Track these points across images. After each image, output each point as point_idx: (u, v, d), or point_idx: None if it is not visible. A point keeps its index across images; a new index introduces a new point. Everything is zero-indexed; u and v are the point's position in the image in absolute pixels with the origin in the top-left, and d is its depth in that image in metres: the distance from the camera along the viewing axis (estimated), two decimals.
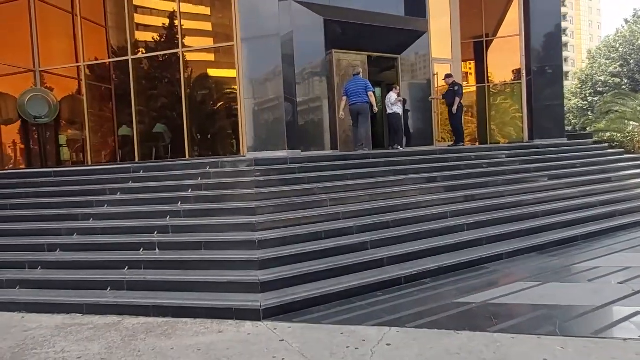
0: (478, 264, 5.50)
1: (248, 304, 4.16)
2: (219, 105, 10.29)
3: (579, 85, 33.00)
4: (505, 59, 13.82)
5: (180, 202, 6.19)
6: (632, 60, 29.35)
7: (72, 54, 10.96)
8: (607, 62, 30.65)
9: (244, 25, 7.69)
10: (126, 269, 5.06)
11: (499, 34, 14.33)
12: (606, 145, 11.54)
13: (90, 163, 10.83)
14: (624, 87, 23.03)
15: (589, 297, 4.23)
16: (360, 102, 8.61)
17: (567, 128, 29.58)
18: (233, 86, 9.29)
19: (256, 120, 7.72)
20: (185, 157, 10.08)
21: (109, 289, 4.79)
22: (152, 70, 10.73)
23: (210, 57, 10.25)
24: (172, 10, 10.19)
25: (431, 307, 4.22)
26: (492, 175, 8.13)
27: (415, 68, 12.65)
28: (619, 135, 17.83)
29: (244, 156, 7.50)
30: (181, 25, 10.06)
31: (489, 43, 14.42)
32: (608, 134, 18.31)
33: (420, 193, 7.06)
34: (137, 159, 10.50)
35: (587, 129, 22.04)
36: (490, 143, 13.92)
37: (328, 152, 10.24)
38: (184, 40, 10.03)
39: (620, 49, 30.44)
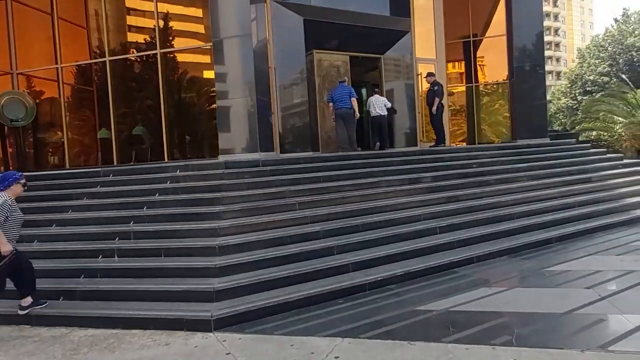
0: (447, 268, 5.38)
1: (199, 314, 4.01)
2: (196, 107, 10.11)
3: (569, 85, 33.03)
4: (495, 59, 13.69)
5: (145, 207, 6.04)
6: (621, 60, 29.39)
7: (51, 55, 10.74)
8: (597, 61, 30.69)
9: (216, 26, 7.53)
10: (82, 277, 4.90)
11: (487, 34, 14.23)
12: (589, 145, 11.48)
13: (68, 166, 10.63)
14: (612, 86, 23.03)
15: (554, 304, 4.11)
16: (345, 107, 8.97)
17: (557, 127, 29.74)
18: (209, 87, 9.13)
19: (229, 122, 7.56)
20: (164, 159, 9.91)
21: (61, 298, 4.63)
22: (130, 71, 10.53)
23: (189, 58, 10.07)
24: (150, 10, 10.00)
25: (391, 315, 4.09)
26: (470, 177, 8.01)
27: (399, 68, 12.52)
28: (606, 134, 17.83)
29: (217, 159, 7.33)
30: (159, 26, 9.87)
31: (478, 43, 14.30)
32: (595, 133, 18.33)
33: (395, 195, 6.93)
34: (115, 162, 10.31)
35: (576, 128, 22.05)
36: (479, 143, 13.83)
37: (307, 153, 10.07)
38: (162, 41, 9.85)
39: (609, 49, 30.49)
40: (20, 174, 4.44)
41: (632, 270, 4.97)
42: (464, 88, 14.52)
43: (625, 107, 16.59)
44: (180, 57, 10.17)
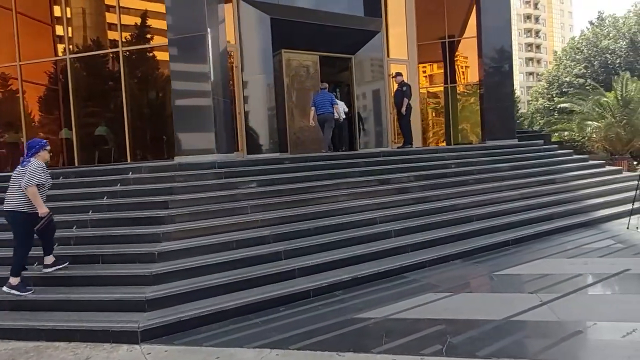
0: (397, 273, 5.29)
1: (126, 326, 3.84)
2: (160, 106, 9.86)
3: (546, 86, 33.45)
4: (472, 60, 13.72)
5: (91, 211, 5.84)
6: (596, 62, 29.86)
7: (12, 52, 10.35)
8: (572, 63, 31.13)
9: (171, 24, 7.34)
10: None
11: (464, 35, 14.23)
12: (556, 146, 11.56)
13: None
14: (587, 87, 23.38)
15: (494, 310, 4.04)
16: (327, 112, 9.51)
17: (535, 128, 30.05)
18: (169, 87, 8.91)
19: (185, 122, 7.36)
20: (127, 160, 9.66)
21: None
22: (92, 70, 10.24)
23: (152, 56, 9.81)
24: (112, 5, 9.72)
25: (328, 324, 3.97)
26: (431, 178, 7.97)
27: (370, 68, 12.44)
28: (578, 135, 18.05)
29: (172, 160, 7.14)
30: (121, 23, 9.63)
31: (455, 44, 14.30)
32: (567, 134, 18.55)
33: (352, 198, 6.83)
34: (77, 164, 10.02)
35: (549, 129, 22.31)
36: (456, 144, 13.84)
37: (274, 154, 9.95)
38: (124, 39, 9.60)
39: (584, 51, 30.95)
40: (44, 140, 4.83)
41: (579, 274, 4.95)
42: (441, 89, 14.52)
43: (597, 109, 16.81)
44: (144, 55, 9.92)
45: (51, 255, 4.76)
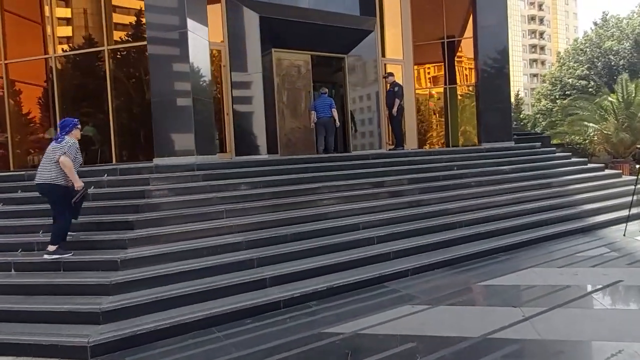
0: (377, 282, 5.02)
1: (75, 340, 3.59)
2: (143, 106, 9.61)
3: (549, 88, 33.05)
4: (471, 61, 13.40)
5: None
6: (599, 63, 29.43)
7: None
8: (575, 65, 30.71)
9: (150, 21, 7.11)
10: None
11: (464, 36, 13.91)
12: (554, 148, 11.25)
13: (13, 168, 10.11)
14: (590, 89, 23.03)
15: (472, 325, 3.77)
16: (327, 117, 9.80)
17: (537, 130, 29.66)
18: None
19: (164, 123, 7.12)
20: (112, 162, 9.44)
21: None
22: (77, 69, 10.03)
23: (136, 55, 9.58)
24: (100, 3, 9.50)
25: (293, 339, 3.71)
26: (419, 182, 7.70)
27: (364, 68, 12.17)
28: (578, 138, 17.72)
29: (151, 162, 6.91)
30: (107, 20, 9.41)
31: (456, 44, 13.99)
32: (568, 137, 18.22)
33: (335, 202, 6.58)
34: None
35: (552, 130, 21.97)
36: (454, 146, 13.54)
37: (262, 156, 9.71)
38: (109, 37, 9.38)
39: (588, 52, 30.53)
40: (77, 120, 5.07)
41: (567, 286, 4.67)
42: (440, 90, 14.20)
43: (598, 111, 16.48)
44: (129, 55, 9.69)
45: (53, 246, 4.74)
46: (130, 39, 9.24)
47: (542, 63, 73.47)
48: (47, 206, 5.76)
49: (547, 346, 3.34)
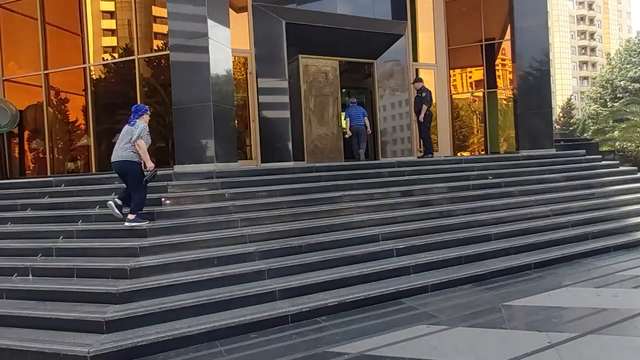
0: (392, 298, 4.75)
1: (77, 350, 3.56)
2: (168, 114, 9.79)
3: (599, 91, 31.20)
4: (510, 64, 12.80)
5: (80, 221, 5.72)
6: None
7: (38, 61, 10.67)
8: (628, 66, 28.83)
9: (172, 29, 7.19)
10: None
11: (505, 37, 13.32)
12: (600, 157, 10.46)
13: (50, 173, 10.55)
14: None
15: (491, 352, 3.45)
16: (360, 124, 10.19)
17: (586, 135, 28.01)
18: None
19: (185, 131, 7.15)
20: None
21: None
22: (110, 77, 10.38)
23: (163, 63, 9.74)
24: (130, 14, 9.80)
25: (296, 357, 3.53)
26: (447, 192, 7.33)
27: (393, 74, 11.87)
28: (630, 144, 16.56)
29: (172, 169, 6.95)
30: (137, 31, 9.69)
31: (497, 46, 13.43)
32: (618, 143, 17.06)
33: (355, 212, 6.34)
34: (94, 170, 10.15)
35: (601, 137, 20.65)
36: (492, 153, 12.97)
37: (287, 163, 9.61)
38: (140, 46, 9.65)
39: None
40: (147, 106, 5.62)
41: (604, 309, 4.21)
42: (479, 94, 13.65)
43: None
44: (158, 63, 9.89)
45: (133, 215, 5.26)
46: (158, 47, 9.46)
47: (593, 65, 69.87)
48: (69, 212, 5.95)
49: None
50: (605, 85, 30.37)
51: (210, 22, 6.93)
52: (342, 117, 10.85)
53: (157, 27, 9.83)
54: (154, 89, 10.03)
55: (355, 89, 12.55)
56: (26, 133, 10.90)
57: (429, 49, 12.77)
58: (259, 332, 4.07)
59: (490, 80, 13.38)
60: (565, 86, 66.51)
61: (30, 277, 4.81)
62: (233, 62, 9.21)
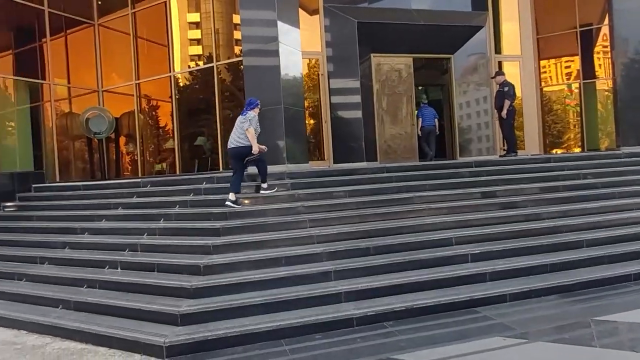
0: (466, 306, 4.46)
1: (153, 339, 3.81)
2: None
3: None
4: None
5: (162, 220, 6.12)
6: None
7: (130, 72, 11.70)
8: None
9: (245, 35, 7.46)
10: (84, 287, 5.07)
11: (604, 22, 12.08)
12: None
13: (141, 174, 11.53)
14: None
15: None
16: (431, 125, 10.13)
17: None
18: None
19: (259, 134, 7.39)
20: (219, 169, 10.20)
21: (60, 307, 4.81)
22: (192, 84, 11.08)
23: (239, 69, 10.17)
24: (211, 24, 10.38)
25: None
26: (532, 193, 6.75)
27: (472, 68, 11.25)
28: None
29: (246, 171, 7.19)
30: (216, 39, 10.24)
31: (595, 32, 12.25)
32: None
33: (426, 214, 6.07)
34: (178, 171, 10.92)
35: None
36: (589, 150, 11.84)
37: (360, 164, 9.53)
38: (217, 54, 10.19)
39: None
40: (258, 100, 6.44)
41: None
42: (576, 86, 12.49)
43: None
44: (234, 69, 10.34)
45: (265, 184, 6.30)
46: (237, 54, 9.89)
47: None
48: (153, 211, 6.42)
49: None
50: None
51: (280, 26, 7.09)
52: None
53: (237, 34, 10.30)
54: (232, 93, 10.53)
55: (431, 86, 12.08)
56: (121, 138, 12.04)
57: (513, 39, 11.90)
58: (323, 333, 4.04)
59: (588, 70, 12.18)
60: None
61: (119, 269, 5.25)
62: (305, 64, 9.36)
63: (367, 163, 9.90)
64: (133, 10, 11.47)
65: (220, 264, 4.77)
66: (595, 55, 12.29)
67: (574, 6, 11.93)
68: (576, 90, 12.41)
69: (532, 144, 12.01)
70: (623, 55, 9.76)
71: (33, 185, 8.52)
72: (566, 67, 12.75)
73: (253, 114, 6.20)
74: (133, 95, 11.48)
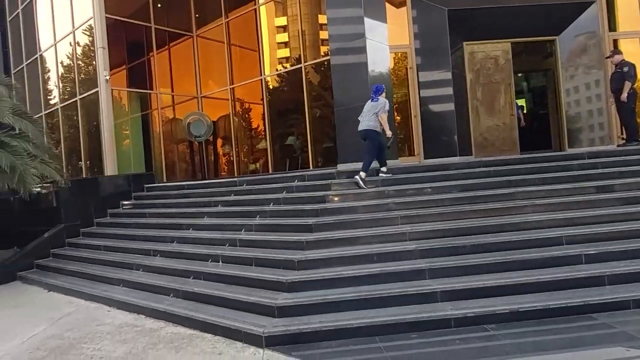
0: (580, 312, 4.02)
1: (253, 329, 4.00)
2: (332, 116, 10.31)
3: None
4: None
5: (258, 216, 6.42)
6: None
7: (225, 78, 12.48)
8: None
9: (332, 34, 7.50)
10: (191, 278, 5.50)
11: None
12: None
13: (237, 174, 12.23)
14: None
15: None
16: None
17: None
18: None
19: (345, 131, 7.40)
20: (309, 168, 10.45)
21: (171, 295, 5.28)
22: (282, 86, 11.47)
23: (326, 69, 10.27)
24: (298, 27, 10.66)
25: None
26: None
27: (582, 50, 10.13)
28: None
29: (335, 168, 7.28)
30: (303, 40, 10.49)
31: None
32: None
33: (531, 210, 5.61)
34: (270, 170, 11.38)
35: None
36: None
37: (453, 159, 9.10)
38: (305, 55, 10.43)
39: None
40: (383, 85, 6.69)
41: None
42: None
43: None
44: (321, 68, 10.48)
45: (384, 167, 6.70)
46: (324, 54, 10.02)
47: None
48: (249, 208, 6.76)
49: None
50: None
51: (367, 22, 7.03)
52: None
53: (323, 34, 10.44)
54: (319, 93, 10.70)
55: (533, 72, 11.14)
56: (218, 140, 12.89)
57: (632, 13, 10.48)
58: (420, 332, 3.91)
59: None
60: None
61: (220, 263, 5.61)
62: (392, 58, 9.19)
63: (460, 158, 9.42)
64: (226, 20, 12.21)
65: (313, 260, 4.87)
66: None
67: None
68: None
69: None
70: None
71: (145, 185, 9.46)
72: None
73: (383, 99, 6.39)
74: (228, 99, 12.23)
